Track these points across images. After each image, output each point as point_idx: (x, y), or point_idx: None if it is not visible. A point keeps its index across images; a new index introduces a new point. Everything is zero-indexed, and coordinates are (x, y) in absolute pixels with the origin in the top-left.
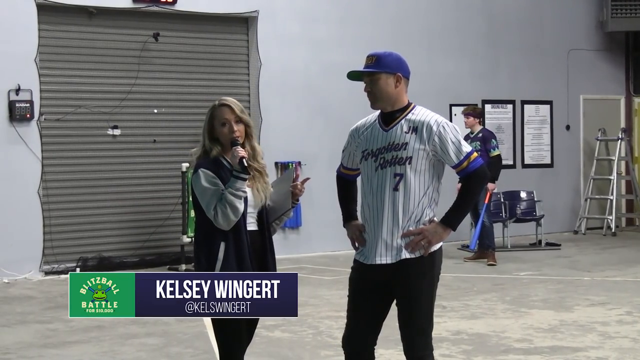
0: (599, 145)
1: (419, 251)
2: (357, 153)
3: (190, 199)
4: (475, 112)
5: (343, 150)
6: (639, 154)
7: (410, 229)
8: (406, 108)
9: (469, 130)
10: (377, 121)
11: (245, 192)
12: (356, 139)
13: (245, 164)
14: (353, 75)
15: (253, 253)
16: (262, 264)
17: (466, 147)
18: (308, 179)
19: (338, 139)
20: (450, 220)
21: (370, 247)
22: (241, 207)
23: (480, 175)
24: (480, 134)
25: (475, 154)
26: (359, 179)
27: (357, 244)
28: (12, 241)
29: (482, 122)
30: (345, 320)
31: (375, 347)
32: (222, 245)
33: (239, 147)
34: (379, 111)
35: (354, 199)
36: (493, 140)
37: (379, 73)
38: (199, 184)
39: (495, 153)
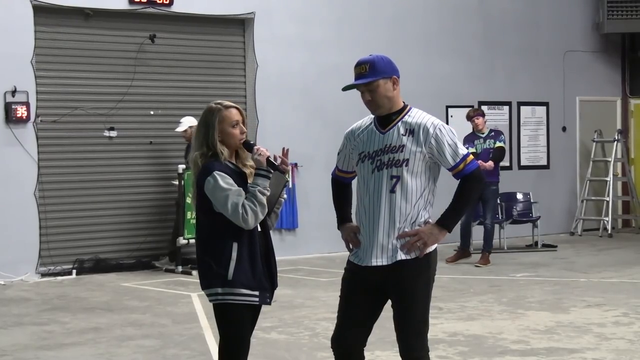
0: (595, 146)
1: (415, 252)
2: (354, 155)
3: (189, 200)
4: (481, 111)
5: (338, 153)
6: (635, 155)
7: (406, 230)
8: (402, 110)
9: (467, 132)
10: (373, 124)
11: (269, 190)
12: (352, 142)
13: (275, 162)
14: (348, 87)
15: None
16: (266, 264)
17: (462, 150)
18: (286, 149)
19: (334, 141)
20: (446, 222)
21: (365, 248)
22: (267, 206)
23: (477, 177)
24: (493, 133)
25: (471, 157)
26: (354, 182)
27: (351, 246)
28: (8, 243)
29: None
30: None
31: (364, 348)
32: (235, 246)
33: (260, 147)
34: None
35: (349, 201)
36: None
37: (377, 80)
38: (219, 186)
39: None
